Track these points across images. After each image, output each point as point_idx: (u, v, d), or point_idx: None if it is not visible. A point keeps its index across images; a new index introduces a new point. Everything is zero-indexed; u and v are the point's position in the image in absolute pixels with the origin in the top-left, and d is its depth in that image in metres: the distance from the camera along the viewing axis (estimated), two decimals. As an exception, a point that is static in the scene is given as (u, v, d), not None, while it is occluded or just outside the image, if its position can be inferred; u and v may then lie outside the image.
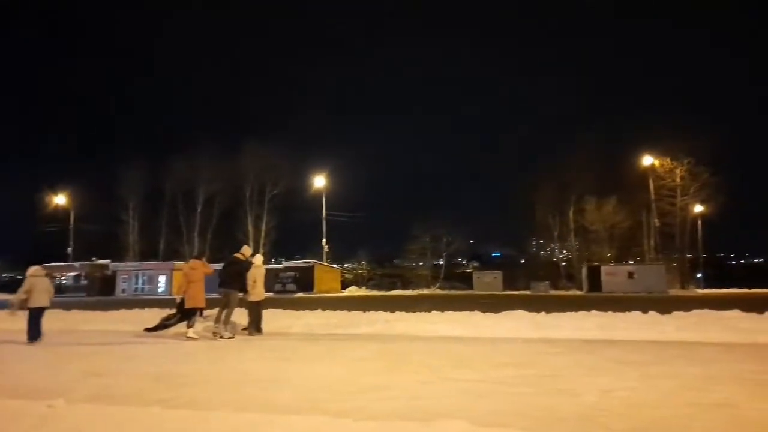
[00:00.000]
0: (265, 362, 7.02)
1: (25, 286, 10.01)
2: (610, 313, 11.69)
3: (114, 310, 15.28)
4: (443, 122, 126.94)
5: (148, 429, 3.60)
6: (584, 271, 41.76)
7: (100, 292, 45.26)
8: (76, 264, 49.41)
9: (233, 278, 10.15)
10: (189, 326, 10.02)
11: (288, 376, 5.81)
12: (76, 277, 48.22)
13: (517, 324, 10.63)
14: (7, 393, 4.76)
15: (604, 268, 39.85)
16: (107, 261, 49.29)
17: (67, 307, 17.12)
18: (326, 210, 51.04)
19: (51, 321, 14.09)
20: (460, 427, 3.43)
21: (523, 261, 59.82)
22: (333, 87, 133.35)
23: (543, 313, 11.87)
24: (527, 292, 40.00)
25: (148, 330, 10.86)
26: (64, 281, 48.32)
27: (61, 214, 55.28)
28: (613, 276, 38.55)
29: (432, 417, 3.76)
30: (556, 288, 44.67)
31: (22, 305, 9.87)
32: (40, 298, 9.93)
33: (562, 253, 54.11)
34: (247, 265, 10.51)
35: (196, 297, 9.97)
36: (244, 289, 10.27)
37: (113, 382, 5.62)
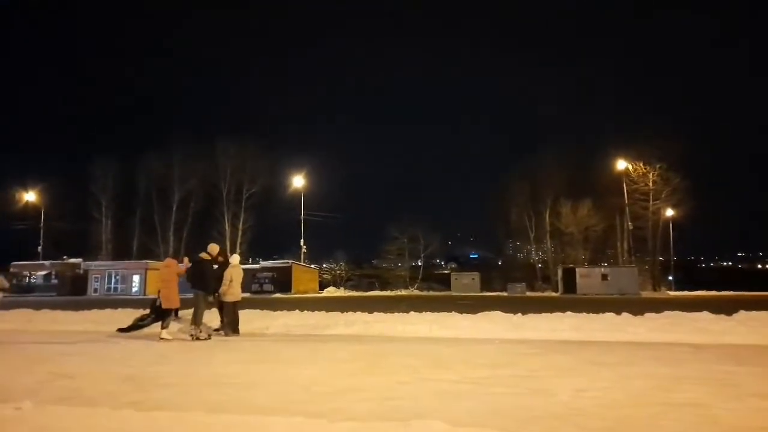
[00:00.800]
0: (240, 364, 6.93)
1: None
2: (584, 314, 11.87)
3: (85, 310, 14.91)
4: (421, 124, 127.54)
5: (120, 431, 3.52)
6: (559, 273, 42.40)
7: (72, 292, 44.11)
8: (47, 263, 48.13)
9: (196, 279, 9.93)
10: (163, 327, 9.84)
11: (264, 378, 5.75)
12: (47, 276, 46.95)
13: (494, 325, 10.72)
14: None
15: (578, 270, 40.49)
16: (79, 260, 48.09)
17: (37, 306, 16.65)
18: (304, 210, 50.77)
19: (19, 321, 13.74)
20: (437, 428, 3.43)
21: (500, 263, 60.46)
22: (313, 87, 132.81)
23: (519, 314, 11.99)
24: (504, 294, 40.38)
25: (121, 330, 10.62)
26: (33, 280, 47.03)
27: (31, 211, 53.75)
28: (588, 278, 39.20)
29: (409, 417, 3.76)
30: (532, 289, 45.23)
31: None
32: None
33: (538, 255, 54.84)
34: (209, 265, 10.29)
35: (170, 297, 9.81)
36: (208, 289, 10.07)
37: (84, 383, 5.48)
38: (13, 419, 3.84)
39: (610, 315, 11.64)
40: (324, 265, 61.54)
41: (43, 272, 47.27)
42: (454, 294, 39.34)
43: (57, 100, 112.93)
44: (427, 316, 12.34)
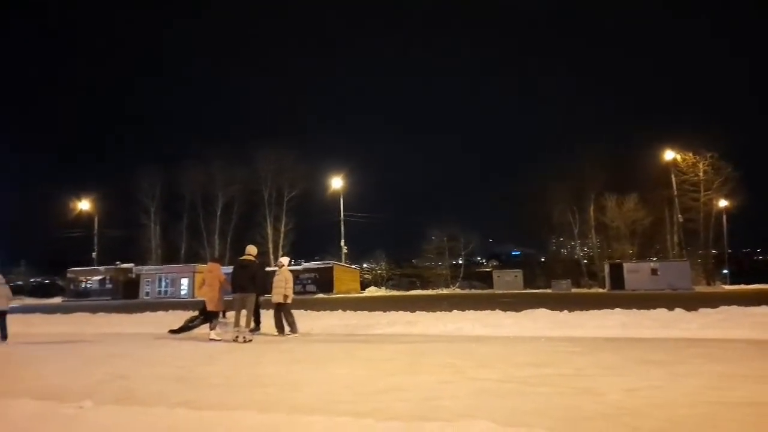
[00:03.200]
0: (285, 364, 7.06)
1: None
2: (633, 311, 11.51)
3: (138, 313, 15.53)
4: (459, 121, 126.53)
5: (174, 430, 3.65)
6: (606, 269, 41.17)
7: (125, 296, 46.11)
8: (101, 268, 50.41)
9: (248, 281, 10.04)
10: (211, 328, 10.17)
11: (308, 377, 5.83)
12: (101, 281, 49.15)
13: (538, 323, 10.54)
14: (37, 394, 4.87)
15: (626, 265, 39.27)
16: (131, 265, 50.22)
17: (93, 310, 17.49)
18: (344, 211, 51.24)
19: (77, 324, 14.45)
20: (484, 427, 3.40)
21: (543, 259, 59.23)
22: (349, 88, 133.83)
23: (565, 311, 11.74)
24: (548, 291, 39.59)
25: (172, 332, 11.03)
26: (89, 285, 49.30)
27: (85, 219, 56.42)
28: (636, 273, 37.96)
29: (454, 417, 3.74)
30: (577, 286, 44.18)
31: None
32: (0, 303, 10.79)
33: (582, 250, 53.48)
34: (257, 266, 10.49)
35: (214, 300, 10.10)
36: (257, 290, 10.28)
37: (138, 384, 5.71)
38: (76, 418, 4.05)
39: (661, 311, 11.25)
40: (365, 266, 61.88)
41: (98, 277, 49.50)
42: (497, 292, 38.87)
43: (104, 113, 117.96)
44: (470, 314, 12.26)
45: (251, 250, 10.57)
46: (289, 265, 11.30)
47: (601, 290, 39.95)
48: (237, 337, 9.73)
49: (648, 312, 11.19)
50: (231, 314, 10.76)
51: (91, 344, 10.17)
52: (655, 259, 45.24)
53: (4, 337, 10.82)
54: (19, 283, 63.00)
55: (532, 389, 4.88)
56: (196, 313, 11.15)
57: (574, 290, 40.37)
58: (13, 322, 15.40)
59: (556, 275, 44.63)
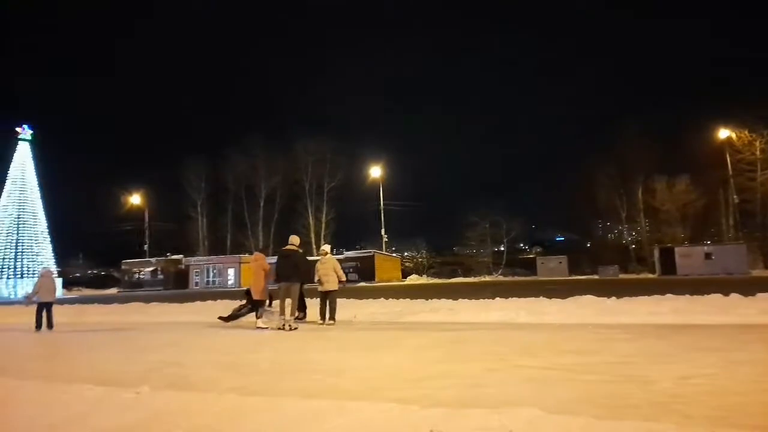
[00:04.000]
0: (330, 351, 7.19)
1: (35, 286, 12.33)
2: (686, 296, 11.09)
3: (188, 303, 16.11)
4: (497, 106, 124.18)
5: (226, 414, 3.79)
6: (656, 254, 39.68)
7: (175, 286, 47.94)
8: (153, 260, 52.54)
9: (292, 270, 10.24)
10: (258, 317, 10.47)
11: (353, 364, 5.93)
12: (153, 272, 51.22)
13: (584, 310, 10.32)
14: (96, 380, 5.15)
15: (678, 250, 37.77)
16: (180, 256, 52.16)
17: (147, 300, 18.27)
18: (383, 200, 51.41)
19: (132, 314, 15.14)
20: (530, 415, 3.38)
21: (588, 245, 57.69)
22: (387, 76, 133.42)
23: (612, 298, 11.44)
24: (595, 277, 38.60)
25: (222, 319, 11.43)
26: (142, 276, 51.49)
27: (136, 213, 58.85)
28: (689, 257, 36.46)
29: (499, 404, 3.73)
30: (625, 272, 42.84)
31: (31, 301, 12.23)
32: (46, 295, 12.07)
33: (630, 235, 51.78)
34: (300, 255, 10.68)
35: (259, 289, 10.38)
36: (301, 279, 10.46)
37: (190, 370, 5.95)
38: (133, 402, 4.26)
39: (715, 296, 10.81)
40: (405, 254, 61.99)
41: (150, 269, 51.62)
42: (541, 279, 38.21)
43: (155, 110, 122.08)
44: (513, 302, 12.11)
45: (294, 239, 10.75)
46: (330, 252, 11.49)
47: (650, 276, 38.63)
48: (283, 325, 9.96)
49: (701, 297, 10.76)
50: (277, 303, 11.03)
51: (146, 333, 10.64)
52: (708, 242, 43.29)
53: (50, 326, 11.92)
54: (78, 274, 66.63)
55: (579, 377, 4.80)
56: (244, 301, 11.50)
57: (621, 276, 39.19)
58: (73, 312, 16.31)
59: (603, 261, 43.32)
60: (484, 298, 13.04)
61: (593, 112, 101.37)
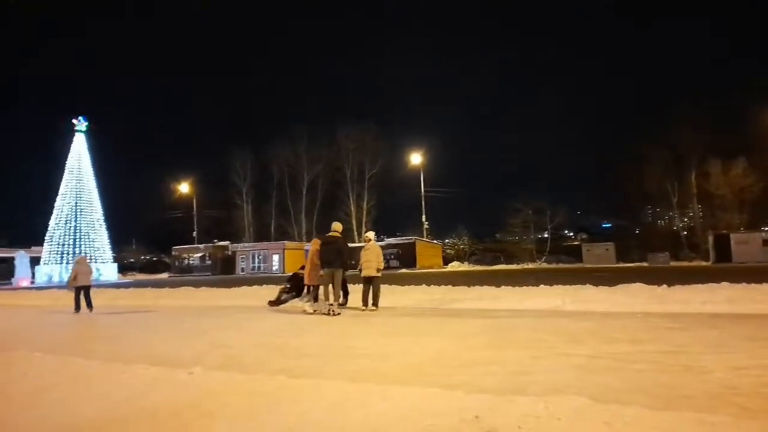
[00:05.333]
0: (373, 336, 7.27)
1: (73, 272, 13.53)
2: (742, 285, 10.58)
3: (235, 288, 16.59)
4: (542, 90, 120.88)
5: (275, 395, 3.91)
6: (710, 240, 37.97)
7: (223, 271, 49.53)
8: (201, 246, 54.38)
9: (335, 257, 10.36)
10: (305, 301, 10.73)
11: (396, 350, 5.97)
12: (202, 258, 53.05)
13: (633, 298, 10.01)
14: (151, 361, 5.40)
15: (734, 236, 36.01)
16: (227, 242, 53.76)
17: (196, 285, 18.93)
18: (424, 186, 51.19)
19: (183, 298, 15.74)
20: (577, 403, 3.32)
21: (637, 231, 55.73)
22: (425, 62, 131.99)
23: (663, 285, 11.04)
24: (644, 264, 37.34)
25: (271, 303, 11.79)
26: (191, 262, 53.39)
27: (184, 201, 60.94)
28: (745, 244, 34.72)
29: (545, 392, 3.69)
30: (676, 259, 41.22)
31: (72, 285, 13.44)
32: (83, 279, 13.26)
33: (682, 221, 49.71)
34: (342, 242, 10.79)
35: (311, 274, 10.64)
36: (345, 265, 10.58)
37: (239, 352, 6.15)
38: (187, 382, 4.45)
39: (775, 285, 10.26)
40: (446, 241, 61.68)
41: (199, 254, 53.48)
42: (587, 266, 37.28)
43: (202, 101, 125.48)
44: (558, 289, 11.87)
45: (336, 226, 10.88)
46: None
47: (704, 263, 37.06)
48: (328, 310, 10.13)
49: (759, 286, 10.23)
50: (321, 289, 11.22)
51: (196, 316, 11.05)
52: (766, 228, 41.06)
53: (89, 306, 13.12)
54: (131, 260, 69.73)
55: (629, 366, 4.68)
56: (288, 285, 11.80)
57: (672, 263, 37.76)
58: (129, 295, 17.10)
59: (653, 248, 41.76)
60: (527, 286, 12.84)
61: (644, 93, 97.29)
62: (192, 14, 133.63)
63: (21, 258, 44.60)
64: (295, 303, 11.47)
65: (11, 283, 42.15)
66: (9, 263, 46.05)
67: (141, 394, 4.15)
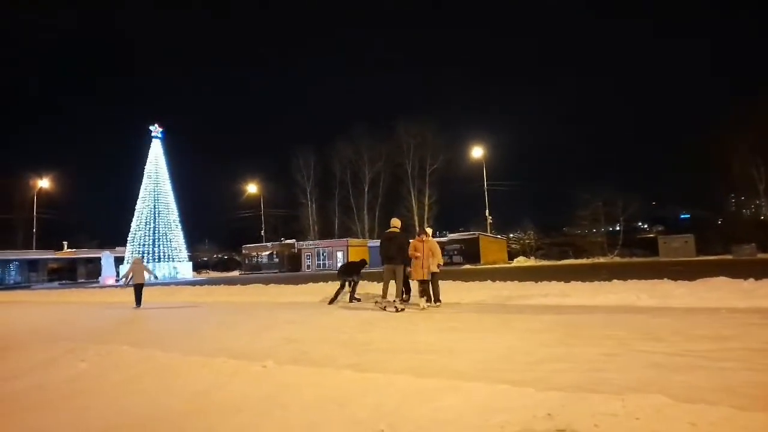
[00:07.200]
0: (439, 332, 7.24)
1: (128, 271, 15.11)
2: (844, 278, 9.67)
3: (302, 284, 17.06)
4: (612, 73, 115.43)
5: (345, 388, 3.99)
6: (804, 230, 34.88)
7: (290, 268, 51.03)
8: (269, 244, 56.31)
9: (396, 252, 10.42)
10: (421, 298, 10.75)
11: (463, 346, 5.92)
12: (270, 256, 54.91)
13: (717, 293, 9.37)
14: (227, 354, 5.67)
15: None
16: (293, 240, 55.34)
17: (266, 282, 19.62)
18: (487, 180, 50.33)
19: (254, 294, 16.36)
20: (658, 402, 3.15)
21: (719, 222, 52.05)
22: (486, 54, 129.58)
23: (750, 279, 10.28)
24: (728, 257, 34.84)
25: (351, 300, 12.34)
26: (260, 260, 55.43)
27: (253, 201, 63.40)
28: None
29: (622, 390, 3.54)
30: (765, 251, 38.16)
31: (129, 283, 14.95)
32: (139, 278, 14.69)
33: (771, 210, 45.98)
34: (403, 237, 10.78)
35: (420, 270, 10.54)
36: (406, 261, 10.57)
37: (309, 347, 6.32)
38: (261, 374, 4.63)
39: None
40: (511, 235, 60.34)
41: (267, 252, 55.38)
42: (663, 260, 35.29)
43: (260, 106, 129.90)
44: (632, 284, 11.33)
45: (395, 222, 10.96)
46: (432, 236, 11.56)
47: (797, 255, 34.11)
48: (393, 306, 10.19)
49: None
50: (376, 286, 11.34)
51: (267, 311, 11.46)
52: None
53: (138, 303, 14.49)
54: (205, 258, 73.34)
55: (714, 364, 4.40)
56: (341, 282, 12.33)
57: (760, 256, 35.01)
58: (204, 292, 17.96)
59: (737, 239, 38.82)
60: (599, 281, 12.34)
61: (726, 75, 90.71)
62: (257, 12, 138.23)
63: (106, 258, 48.14)
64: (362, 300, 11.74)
65: (98, 282, 45.56)
66: (96, 263, 49.82)
67: (222, 384, 4.37)
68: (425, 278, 10.44)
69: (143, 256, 48.38)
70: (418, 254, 10.32)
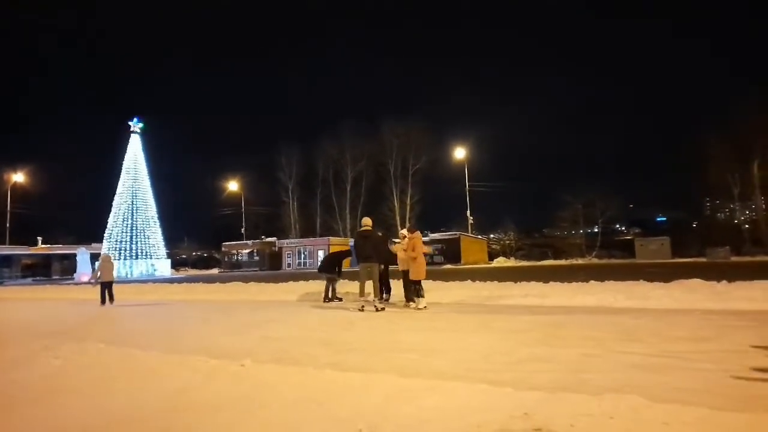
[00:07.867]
0: (419, 332, 7.24)
1: (97, 268, 15.05)
2: (813, 281, 9.93)
3: (282, 283, 16.94)
4: (592, 79, 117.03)
5: (325, 388, 3.96)
6: (775, 234, 35.83)
7: (270, 267, 50.64)
8: (249, 242, 55.83)
9: (372, 251, 10.36)
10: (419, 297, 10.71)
11: (443, 346, 5.92)
12: (250, 254, 54.45)
13: (692, 294, 9.56)
14: (206, 353, 5.59)
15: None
16: (274, 238, 54.97)
17: (245, 280, 19.44)
18: (469, 181, 50.64)
19: (234, 292, 16.19)
20: (634, 403, 3.20)
21: (695, 225, 53.20)
22: (471, 56, 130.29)
23: (723, 281, 10.51)
24: (702, 260, 35.59)
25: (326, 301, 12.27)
26: (240, 257, 54.92)
27: (234, 199, 62.78)
28: (815, 239, 32.53)
29: (600, 390, 3.57)
30: (738, 254, 39.10)
31: (97, 280, 14.80)
32: (107, 275, 14.60)
33: (744, 214, 47.12)
34: (378, 236, 10.73)
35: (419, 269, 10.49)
36: (388, 260, 10.54)
37: (289, 346, 6.26)
38: (239, 373, 4.57)
39: None
40: (492, 236, 60.82)
41: (247, 250, 54.90)
42: (640, 261, 35.89)
43: (250, 103, 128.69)
44: (610, 285, 11.50)
45: (367, 221, 10.80)
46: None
47: (768, 258, 34.98)
48: (373, 306, 10.15)
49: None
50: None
51: (247, 310, 11.34)
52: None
53: (111, 300, 14.47)
54: (183, 256, 72.39)
55: (691, 365, 4.47)
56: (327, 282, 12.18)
57: (734, 259, 35.82)
58: (182, 290, 17.71)
59: (712, 242, 39.71)
60: (577, 282, 12.49)
61: (703, 84, 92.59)
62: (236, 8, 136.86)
63: (82, 255, 47.14)
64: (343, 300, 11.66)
65: (73, 278, 44.63)
66: (72, 260, 48.79)
67: (201, 383, 4.30)
68: (425, 278, 10.45)
69: (120, 253, 47.58)
70: (416, 255, 10.30)
